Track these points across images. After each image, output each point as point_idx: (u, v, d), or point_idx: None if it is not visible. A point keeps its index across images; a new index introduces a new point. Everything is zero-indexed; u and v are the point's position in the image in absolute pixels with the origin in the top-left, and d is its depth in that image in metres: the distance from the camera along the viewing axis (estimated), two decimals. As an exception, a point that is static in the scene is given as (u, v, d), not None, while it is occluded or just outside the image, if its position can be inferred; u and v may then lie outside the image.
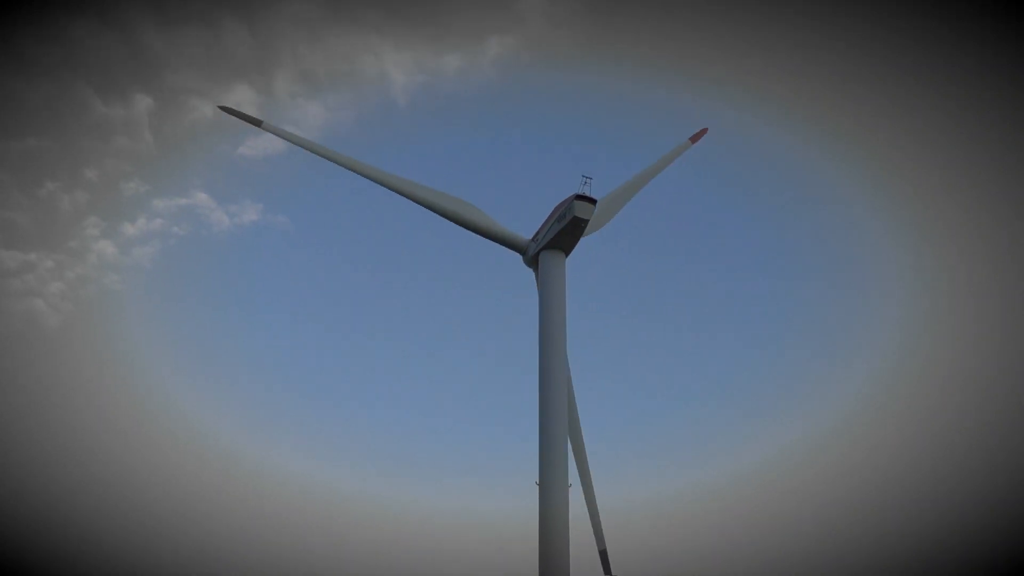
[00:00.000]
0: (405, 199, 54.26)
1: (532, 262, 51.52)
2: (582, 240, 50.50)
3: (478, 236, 53.70)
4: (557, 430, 48.46)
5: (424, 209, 53.56)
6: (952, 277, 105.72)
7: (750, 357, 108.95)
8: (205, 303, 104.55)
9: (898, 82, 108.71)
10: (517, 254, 53.56)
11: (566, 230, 49.01)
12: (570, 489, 49.08)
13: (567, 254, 50.28)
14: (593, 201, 48.40)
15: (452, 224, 54.04)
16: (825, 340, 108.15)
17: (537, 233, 51.16)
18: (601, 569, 55.78)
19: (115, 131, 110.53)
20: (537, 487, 49.30)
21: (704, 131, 63.02)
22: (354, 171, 54.40)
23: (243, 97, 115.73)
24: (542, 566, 46.48)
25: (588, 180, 48.70)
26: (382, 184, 53.86)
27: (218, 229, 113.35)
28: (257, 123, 55.53)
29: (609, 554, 55.67)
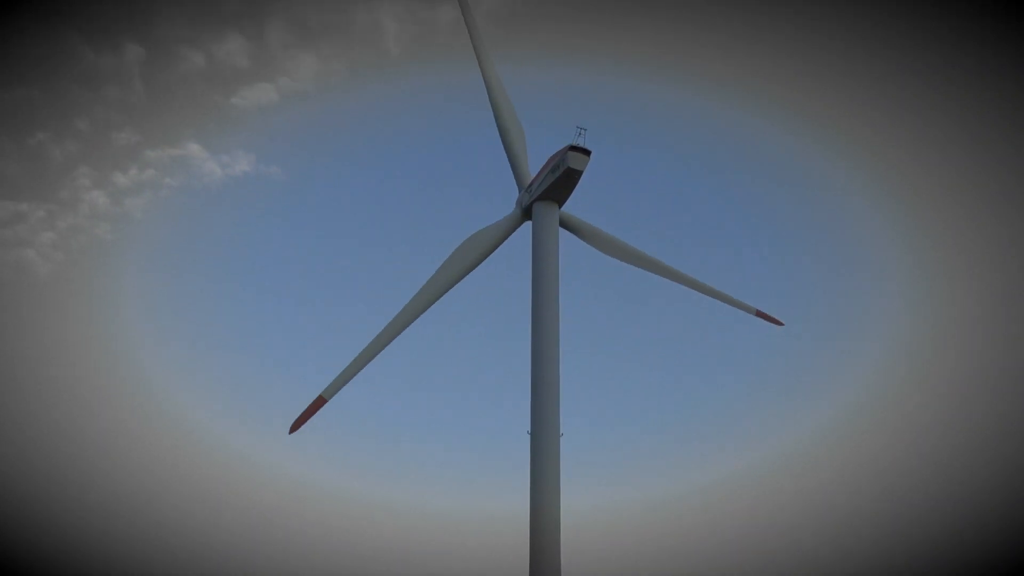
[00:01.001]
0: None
1: (525, 213, 52.12)
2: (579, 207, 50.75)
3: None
4: (549, 379, 48.90)
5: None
6: (954, 274, 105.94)
7: (747, 355, 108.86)
8: (196, 254, 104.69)
9: (897, 81, 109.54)
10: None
11: (559, 181, 49.36)
12: (562, 438, 49.14)
13: (560, 205, 50.90)
14: (587, 152, 48.83)
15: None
16: (825, 338, 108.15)
17: (531, 184, 51.93)
18: None
19: (106, 80, 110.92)
20: (528, 436, 49.49)
21: (775, 321, 60.12)
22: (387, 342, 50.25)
23: (235, 46, 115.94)
24: (533, 520, 46.57)
25: (583, 131, 49.18)
26: (406, 323, 50.54)
27: (210, 180, 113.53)
28: (322, 403, 48.66)
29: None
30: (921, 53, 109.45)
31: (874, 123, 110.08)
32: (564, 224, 51.71)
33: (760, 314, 58.94)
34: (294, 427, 47.89)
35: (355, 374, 48.98)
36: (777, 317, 60.04)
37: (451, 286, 51.27)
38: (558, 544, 45.22)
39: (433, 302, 51.09)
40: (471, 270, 51.94)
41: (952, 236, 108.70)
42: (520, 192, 52.91)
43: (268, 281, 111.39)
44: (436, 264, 51.51)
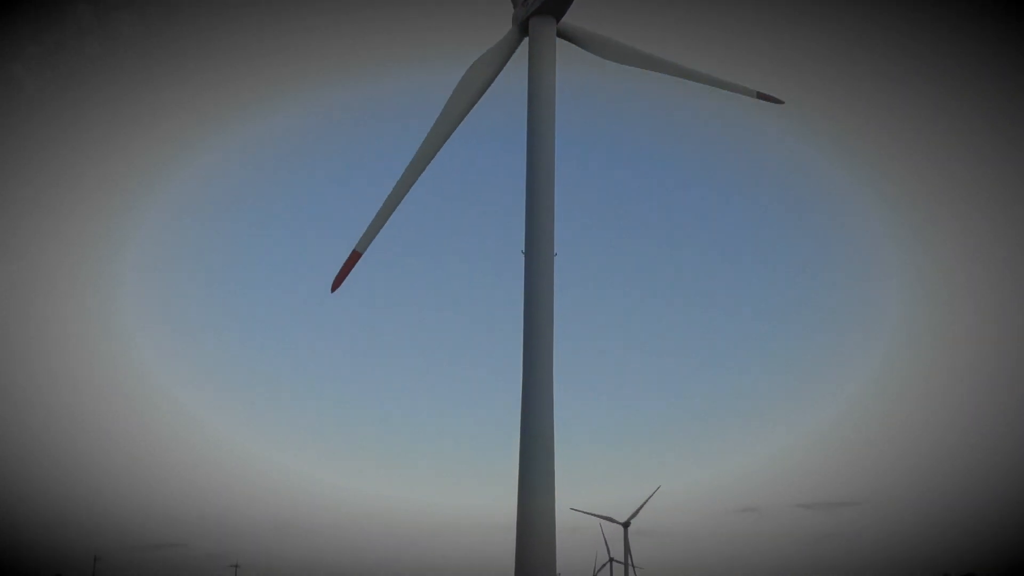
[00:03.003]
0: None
1: (522, 29, 49.48)
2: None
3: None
4: (543, 199, 46.77)
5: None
6: (952, 273, 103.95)
7: (746, 356, 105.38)
8: (183, 69, 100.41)
9: (898, 82, 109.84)
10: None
11: (557, -8, 47.44)
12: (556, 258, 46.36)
13: (558, 19, 48.47)
14: (587, -40, 47.01)
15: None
16: (822, 341, 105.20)
17: (527, -2, 49.35)
18: None
19: None
20: (523, 255, 46.92)
21: (776, 100, 56.69)
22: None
23: None
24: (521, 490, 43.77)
25: (583, -62, 47.43)
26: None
27: None
28: (357, 257, 47.88)
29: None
30: (920, 52, 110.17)
31: (875, 122, 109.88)
32: (563, 35, 49.19)
33: (761, 95, 52.91)
34: (335, 285, 47.20)
35: (383, 225, 48.04)
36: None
37: (461, 119, 49.42)
38: (553, 525, 43.12)
39: (446, 138, 49.20)
40: (478, 99, 49.67)
41: (953, 233, 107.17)
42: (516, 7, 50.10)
43: (252, 93, 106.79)
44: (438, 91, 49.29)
